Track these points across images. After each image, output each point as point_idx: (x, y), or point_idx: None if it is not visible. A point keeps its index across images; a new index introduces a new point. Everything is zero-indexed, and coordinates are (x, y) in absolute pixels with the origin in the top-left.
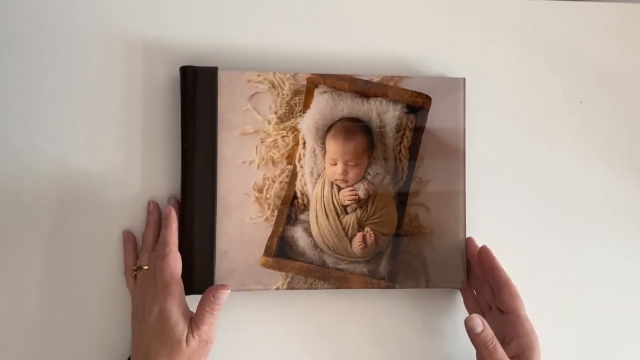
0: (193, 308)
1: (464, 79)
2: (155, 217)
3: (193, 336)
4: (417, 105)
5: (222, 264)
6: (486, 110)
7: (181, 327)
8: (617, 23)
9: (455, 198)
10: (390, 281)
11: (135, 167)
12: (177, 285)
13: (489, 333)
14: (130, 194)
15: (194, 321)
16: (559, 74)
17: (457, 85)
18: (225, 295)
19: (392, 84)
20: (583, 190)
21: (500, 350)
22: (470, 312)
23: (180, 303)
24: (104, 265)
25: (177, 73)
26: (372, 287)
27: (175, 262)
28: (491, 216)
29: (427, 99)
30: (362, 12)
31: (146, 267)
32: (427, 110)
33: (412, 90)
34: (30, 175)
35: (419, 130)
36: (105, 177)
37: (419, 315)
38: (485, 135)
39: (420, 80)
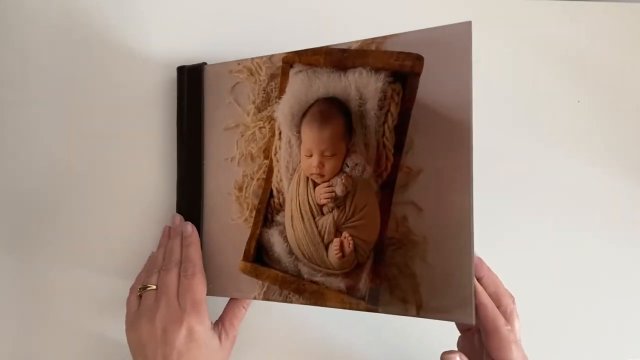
0: None
1: (470, 22)
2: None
3: (228, 337)
4: (404, 70)
5: (210, 268)
6: (484, 109)
7: (216, 341)
8: (616, 23)
9: (458, 194)
10: (372, 303)
11: (137, 167)
12: (206, 304)
13: None
14: (128, 194)
15: (228, 321)
16: (557, 72)
17: (459, 34)
18: None
19: (373, 48)
20: (581, 189)
21: None
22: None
23: (209, 320)
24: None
25: (176, 74)
26: (351, 309)
27: (204, 281)
28: (488, 216)
29: (418, 59)
30: (359, 10)
31: (153, 287)
32: (418, 75)
33: (398, 52)
34: (25, 173)
35: (407, 104)
36: (102, 177)
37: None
38: (482, 134)
39: (408, 38)
